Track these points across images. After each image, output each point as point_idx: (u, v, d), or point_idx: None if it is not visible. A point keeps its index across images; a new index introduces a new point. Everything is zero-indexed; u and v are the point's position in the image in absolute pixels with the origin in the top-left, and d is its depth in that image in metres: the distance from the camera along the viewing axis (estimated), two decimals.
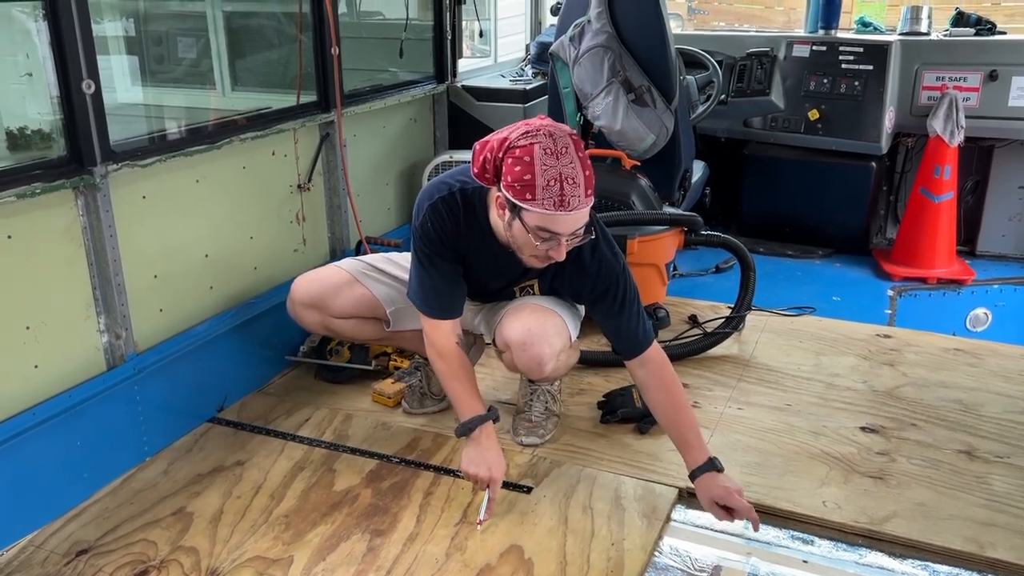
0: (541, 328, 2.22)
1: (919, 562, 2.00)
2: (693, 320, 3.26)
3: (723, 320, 3.09)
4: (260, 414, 2.64)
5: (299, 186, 2.98)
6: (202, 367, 2.57)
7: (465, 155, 3.47)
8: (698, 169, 3.82)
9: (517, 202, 1.91)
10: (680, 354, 2.95)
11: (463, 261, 2.23)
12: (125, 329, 2.31)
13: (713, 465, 2.05)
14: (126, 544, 2.05)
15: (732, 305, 3.11)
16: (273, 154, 2.86)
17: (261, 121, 2.79)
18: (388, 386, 2.70)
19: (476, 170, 2.00)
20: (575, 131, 2.00)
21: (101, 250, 2.22)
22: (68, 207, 2.15)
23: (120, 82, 3.46)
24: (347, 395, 2.75)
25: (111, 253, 2.23)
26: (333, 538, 2.06)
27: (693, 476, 2.07)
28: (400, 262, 2.50)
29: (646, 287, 3.13)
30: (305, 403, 2.69)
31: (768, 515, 2.15)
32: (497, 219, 2.05)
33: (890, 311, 3.71)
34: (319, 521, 2.12)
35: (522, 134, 1.92)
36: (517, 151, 1.90)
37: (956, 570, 1.97)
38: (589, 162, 1.97)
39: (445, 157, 3.49)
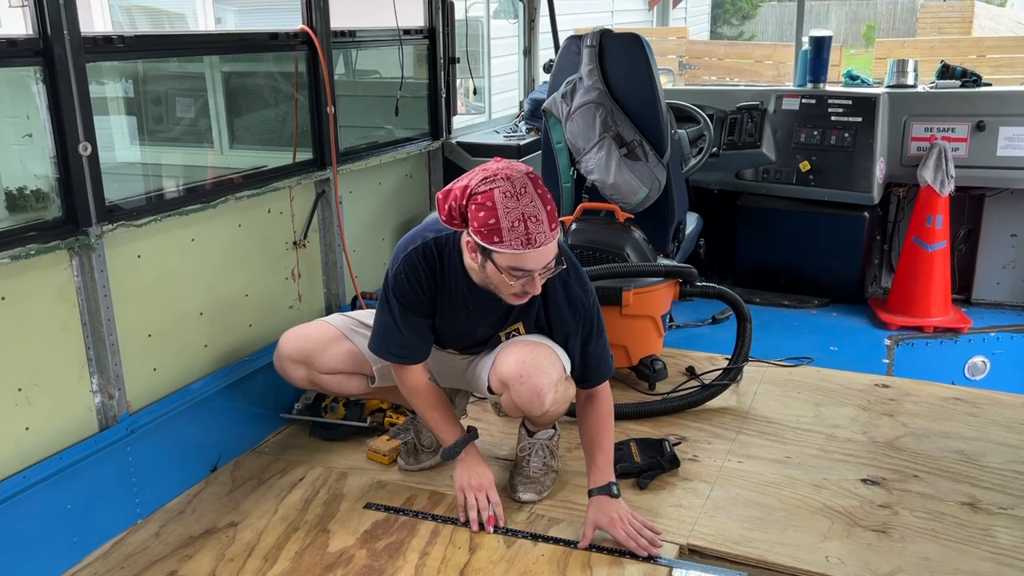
0: (535, 359, 2.24)
1: None
2: (691, 372, 3.25)
3: (721, 372, 3.08)
4: (254, 473, 2.61)
5: (295, 243, 2.99)
6: (196, 426, 2.55)
7: None
8: (692, 221, 3.84)
9: (486, 245, 2.01)
10: (679, 407, 2.93)
11: (444, 310, 2.30)
12: (118, 389, 2.29)
13: (608, 490, 2.22)
14: None
15: (729, 356, 3.10)
16: (269, 212, 2.87)
17: (257, 180, 2.81)
18: (383, 443, 2.67)
19: (444, 218, 2.10)
20: (532, 169, 2.09)
21: (95, 310, 2.21)
22: (63, 268, 2.16)
23: (119, 142, 3.50)
24: (342, 453, 2.72)
25: (105, 313, 2.23)
26: None
27: (590, 493, 2.25)
28: None
29: (643, 339, 3.14)
30: (300, 461, 2.66)
31: (770, 571, 2.11)
32: (471, 262, 2.13)
33: (888, 360, 3.70)
34: None
35: (481, 180, 2.01)
36: (479, 197, 1.99)
37: None
38: (549, 196, 2.06)
39: None
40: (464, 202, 2.02)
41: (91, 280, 2.20)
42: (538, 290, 2.10)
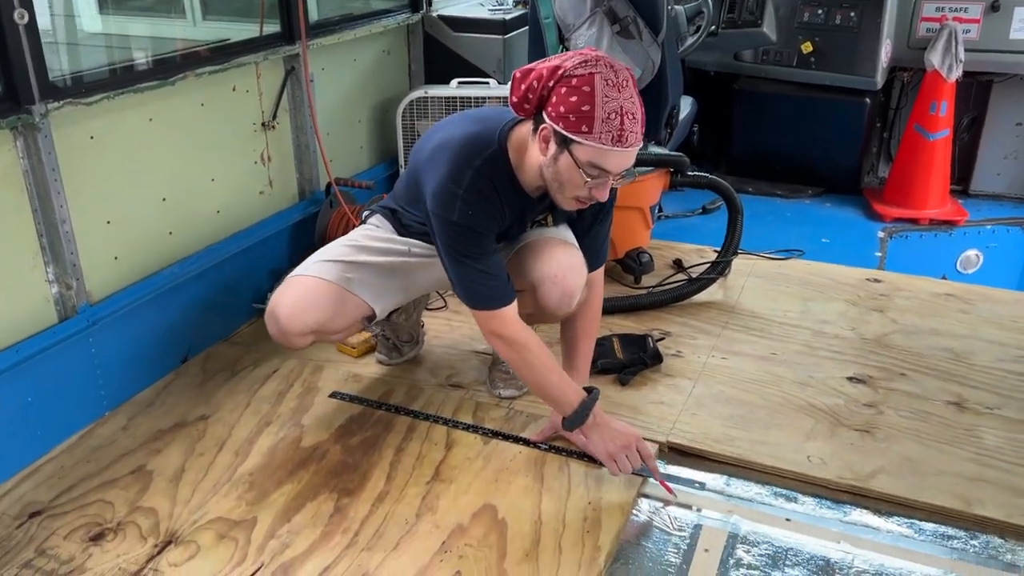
0: (570, 260, 2.11)
1: (904, 519, 1.93)
2: (678, 265, 3.16)
3: (709, 265, 2.98)
4: (226, 365, 2.53)
5: (263, 124, 2.81)
6: (163, 317, 2.46)
7: (442, 90, 3.30)
8: (686, 105, 3.66)
9: (569, 135, 1.79)
10: (664, 301, 2.86)
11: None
12: (76, 279, 2.18)
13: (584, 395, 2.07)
14: (81, 505, 1.96)
15: (718, 249, 3.00)
16: (234, 90, 2.68)
17: (220, 54, 2.60)
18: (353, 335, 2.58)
19: (515, 99, 1.87)
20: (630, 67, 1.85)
21: (45, 195, 2.07)
22: (7, 149, 2.00)
23: (84, 10, 3.25)
24: (317, 344, 2.62)
25: (56, 198, 2.08)
26: (299, 498, 1.97)
27: None
28: (364, 242, 2.24)
29: (629, 231, 3.03)
30: (273, 353, 2.58)
31: (751, 471, 2.08)
32: (537, 155, 1.89)
33: (880, 254, 3.63)
34: (285, 480, 2.04)
35: (580, 63, 1.79)
36: (574, 80, 1.77)
37: (942, 528, 1.91)
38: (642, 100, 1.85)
39: (420, 92, 3.31)
40: (551, 83, 1.79)
41: (38, 163, 2.04)
42: (605, 197, 1.89)
